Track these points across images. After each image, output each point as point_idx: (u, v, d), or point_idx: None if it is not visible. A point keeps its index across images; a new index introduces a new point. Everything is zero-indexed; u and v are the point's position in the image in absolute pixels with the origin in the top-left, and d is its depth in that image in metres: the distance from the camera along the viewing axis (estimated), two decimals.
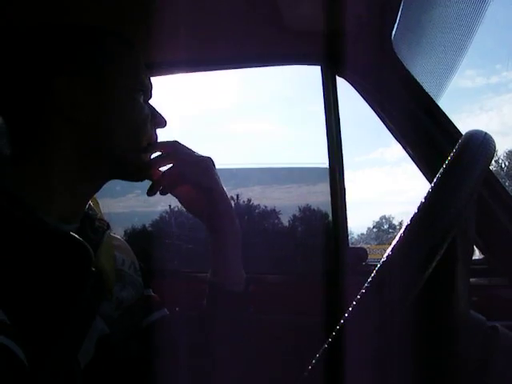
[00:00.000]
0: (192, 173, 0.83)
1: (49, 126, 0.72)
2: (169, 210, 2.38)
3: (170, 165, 0.83)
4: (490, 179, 1.20)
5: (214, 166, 0.86)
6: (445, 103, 1.31)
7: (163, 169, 0.84)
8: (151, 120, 0.81)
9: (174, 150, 0.84)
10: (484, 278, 1.26)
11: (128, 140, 0.77)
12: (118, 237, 0.94)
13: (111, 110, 0.75)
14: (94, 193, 0.81)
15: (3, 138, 0.74)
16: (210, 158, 0.85)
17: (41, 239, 0.64)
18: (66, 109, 0.71)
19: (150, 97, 0.83)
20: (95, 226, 0.80)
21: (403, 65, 1.26)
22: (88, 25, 0.77)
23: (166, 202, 2.24)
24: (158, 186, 0.83)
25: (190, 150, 0.85)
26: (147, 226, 2.40)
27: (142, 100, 0.80)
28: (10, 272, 0.59)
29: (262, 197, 2.51)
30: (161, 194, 0.83)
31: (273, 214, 2.64)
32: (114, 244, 0.87)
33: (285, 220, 2.61)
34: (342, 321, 0.37)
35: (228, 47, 1.38)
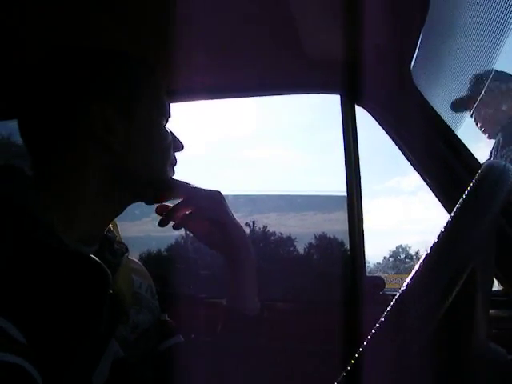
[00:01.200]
0: (206, 208, 0.83)
1: (79, 150, 0.72)
2: (184, 235, 2.38)
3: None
4: (510, 210, 1.19)
5: (223, 199, 0.85)
6: (463, 133, 1.31)
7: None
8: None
9: (187, 190, 0.84)
10: (504, 310, 1.23)
11: (155, 165, 0.78)
12: (136, 260, 0.94)
13: (140, 135, 0.75)
14: (116, 216, 0.81)
15: (26, 159, 0.75)
16: (219, 192, 0.85)
17: (60, 260, 0.64)
18: (99, 133, 0.71)
19: (168, 121, 0.85)
20: (114, 249, 0.80)
21: (422, 95, 1.27)
22: (115, 50, 0.78)
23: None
24: (170, 219, 0.84)
25: (197, 186, 0.85)
26: (163, 250, 2.40)
27: (164, 124, 0.81)
28: (29, 292, 0.59)
29: (278, 224, 2.50)
30: (174, 229, 0.84)
31: (289, 241, 2.62)
32: (132, 267, 0.87)
33: (301, 248, 2.59)
34: (360, 350, 0.37)
35: (249, 75, 1.40)
